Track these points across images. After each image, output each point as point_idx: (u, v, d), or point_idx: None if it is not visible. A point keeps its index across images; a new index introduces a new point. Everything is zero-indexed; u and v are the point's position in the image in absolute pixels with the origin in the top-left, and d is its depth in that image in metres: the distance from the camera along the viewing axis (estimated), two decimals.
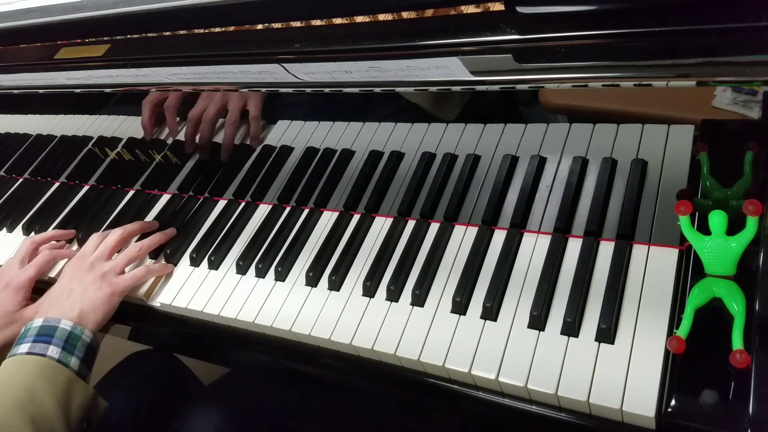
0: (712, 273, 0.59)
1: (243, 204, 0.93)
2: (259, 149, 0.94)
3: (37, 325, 0.76)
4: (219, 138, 0.97)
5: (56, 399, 0.69)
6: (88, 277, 0.82)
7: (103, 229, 0.99)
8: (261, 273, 0.82)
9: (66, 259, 0.93)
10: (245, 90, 0.87)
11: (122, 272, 0.85)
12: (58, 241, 0.98)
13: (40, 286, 0.91)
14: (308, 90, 0.80)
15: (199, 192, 0.98)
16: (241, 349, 0.81)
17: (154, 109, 1.00)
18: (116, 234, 0.88)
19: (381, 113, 0.85)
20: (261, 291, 0.80)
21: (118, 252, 0.89)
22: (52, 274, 0.94)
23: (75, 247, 0.99)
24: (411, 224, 0.79)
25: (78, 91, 0.95)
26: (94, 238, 0.89)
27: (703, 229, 0.59)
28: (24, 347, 0.73)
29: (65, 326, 0.75)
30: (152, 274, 0.85)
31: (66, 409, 0.70)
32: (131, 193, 1.04)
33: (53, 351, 0.73)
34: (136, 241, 0.91)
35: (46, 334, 0.74)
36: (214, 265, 0.86)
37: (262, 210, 0.91)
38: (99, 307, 0.79)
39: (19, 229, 1.07)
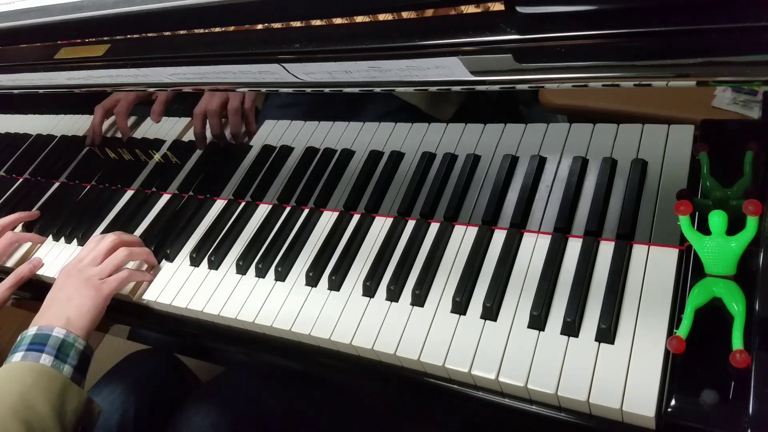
0: (712, 273, 0.59)
1: (243, 204, 0.93)
2: (259, 149, 0.94)
3: (30, 333, 0.76)
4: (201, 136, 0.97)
5: (51, 404, 0.69)
6: (74, 283, 0.82)
7: (101, 230, 1.00)
8: (261, 273, 0.82)
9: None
10: (245, 89, 0.87)
11: (109, 276, 0.84)
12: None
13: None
14: (308, 90, 0.80)
15: (199, 192, 0.98)
16: (240, 349, 0.81)
17: (106, 113, 1.02)
18: (108, 240, 0.88)
19: (380, 113, 0.85)
20: (261, 291, 0.80)
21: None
22: (10, 264, 1.00)
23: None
24: (411, 224, 0.79)
25: (78, 91, 0.95)
26: (90, 243, 0.89)
27: (703, 229, 0.59)
28: (18, 356, 0.74)
29: (58, 334, 0.75)
30: (135, 277, 0.86)
31: (61, 414, 0.69)
32: (131, 192, 1.04)
33: (46, 359, 0.73)
34: None
35: (39, 343, 0.74)
36: (214, 265, 0.86)
37: (262, 210, 0.91)
38: (85, 312, 0.79)
39: (18, 229, 1.07)
